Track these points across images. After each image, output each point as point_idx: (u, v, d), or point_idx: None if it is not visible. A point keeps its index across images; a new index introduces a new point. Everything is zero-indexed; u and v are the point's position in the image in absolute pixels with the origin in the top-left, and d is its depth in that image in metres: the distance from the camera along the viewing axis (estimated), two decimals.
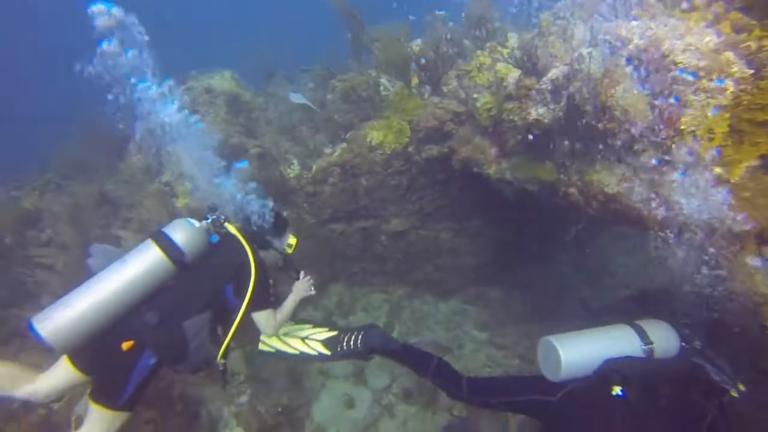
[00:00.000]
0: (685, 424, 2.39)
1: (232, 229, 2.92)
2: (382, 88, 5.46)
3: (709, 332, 2.77)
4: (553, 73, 3.26)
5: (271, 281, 2.94)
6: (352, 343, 2.85)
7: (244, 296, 2.73)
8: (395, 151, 4.95)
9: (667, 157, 2.85)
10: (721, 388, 2.46)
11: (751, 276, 2.58)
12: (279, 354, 3.01)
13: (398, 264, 6.02)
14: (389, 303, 6.34)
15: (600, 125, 3.03)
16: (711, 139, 2.65)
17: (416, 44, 5.26)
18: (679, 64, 2.45)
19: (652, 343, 2.61)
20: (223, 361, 2.72)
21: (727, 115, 2.57)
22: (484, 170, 4.26)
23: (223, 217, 2.96)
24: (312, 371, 5.27)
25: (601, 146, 3.24)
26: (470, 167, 4.47)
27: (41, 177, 6.59)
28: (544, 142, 3.61)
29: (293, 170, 5.46)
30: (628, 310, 3.15)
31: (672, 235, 3.03)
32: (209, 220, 2.91)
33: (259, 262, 2.79)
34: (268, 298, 2.91)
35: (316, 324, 3.14)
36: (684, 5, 2.81)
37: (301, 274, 3.27)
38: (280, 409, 4.45)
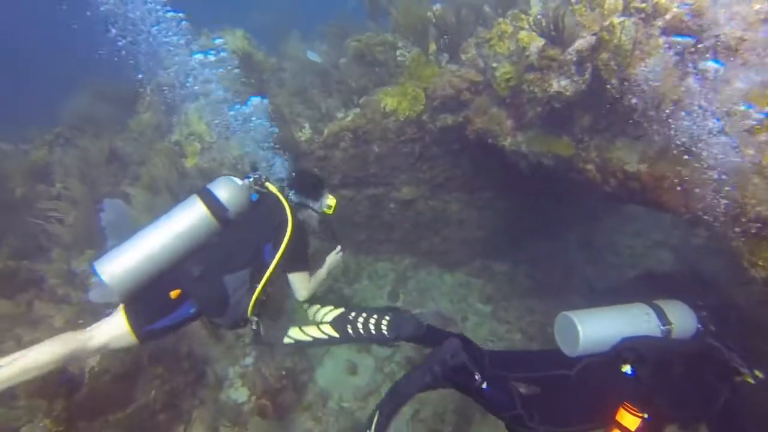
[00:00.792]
0: (698, 405, 2.40)
1: (272, 188, 2.93)
2: (398, 53, 5.31)
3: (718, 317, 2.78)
4: (579, 43, 3.13)
5: (309, 243, 2.98)
6: (372, 328, 2.55)
7: (284, 258, 2.77)
8: (409, 118, 4.84)
9: (694, 134, 2.76)
10: (734, 368, 2.46)
11: None
12: (299, 345, 2.76)
13: (406, 233, 6.00)
14: (395, 272, 6.36)
15: (625, 100, 2.93)
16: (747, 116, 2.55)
17: (436, 8, 5.07)
18: (722, 35, 2.32)
19: (671, 323, 2.62)
20: (255, 318, 2.75)
21: None
22: (499, 142, 4.17)
23: (264, 177, 2.96)
24: None
25: (623, 122, 3.15)
26: (485, 138, 4.37)
27: (50, 131, 6.55)
28: (563, 115, 3.50)
29: (304, 134, 5.38)
30: (634, 290, 3.12)
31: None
32: (251, 179, 2.92)
33: (296, 222, 2.81)
34: (305, 260, 2.93)
35: (323, 303, 2.91)
36: None
37: (338, 247, 3.28)
38: (284, 372, 4.52)
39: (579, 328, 2.51)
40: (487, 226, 6.03)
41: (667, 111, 2.75)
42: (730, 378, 2.47)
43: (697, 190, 2.80)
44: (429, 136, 4.95)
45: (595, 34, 3.08)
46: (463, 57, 4.48)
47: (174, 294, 2.55)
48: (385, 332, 2.47)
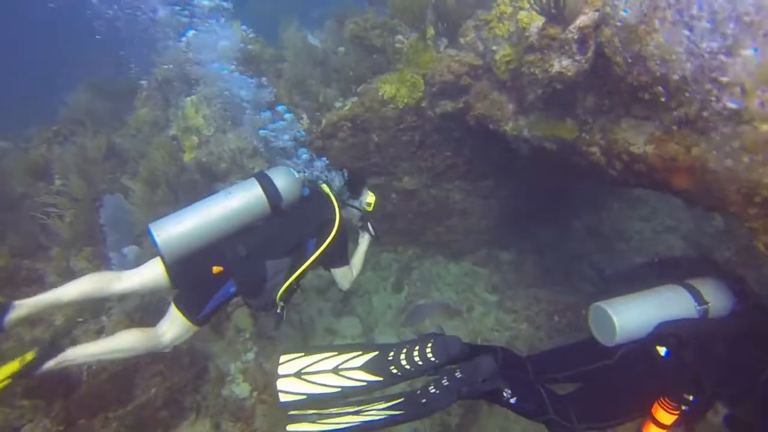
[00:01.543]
0: (744, 380, 2.37)
1: (324, 187, 3.10)
2: (397, 39, 5.17)
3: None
4: (581, 20, 2.98)
5: (347, 239, 3.13)
6: (418, 359, 2.31)
7: (327, 254, 2.94)
8: (408, 105, 4.72)
9: (705, 113, 2.62)
10: None
11: None
12: (312, 399, 2.31)
13: (409, 223, 5.90)
14: (399, 263, 6.27)
15: (630, 78, 2.79)
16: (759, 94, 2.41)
17: None
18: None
19: (707, 302, 2.57)
20: (281, 303, 2.86)
21: None
22: (501, 127, 4.04)
23: (317, 173, 3.16)
24: (319, 331, 5.28)
25: (629, 102, 3.01)
26: (486, 124, 4.24)
27: (49, 128, 6.52)
28: (566, 97, 3.37)
29: (302, 124, 5.28)
30: (644, 277, 3.02)
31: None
32: (306, 174, 3.10)
33: (342, 222, 2.96)
34: (345, 255, 3.12)
35: (335, 349, 2.49)
36: None
37: (369, 225, 3.44)
38: None
39: (614, 318, 2.49)
40: (491, 215, 5.92)
41: (676, 88, 2.62)
42: None
43: (709, 171, 2.66)
44: (429, 124, 4.82)
45: (597, 10, 2.93)
46: (462, 41, 4.33)
47: (216, 270, 2.68)
48: (434, 360, 2.28)
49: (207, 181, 5.24)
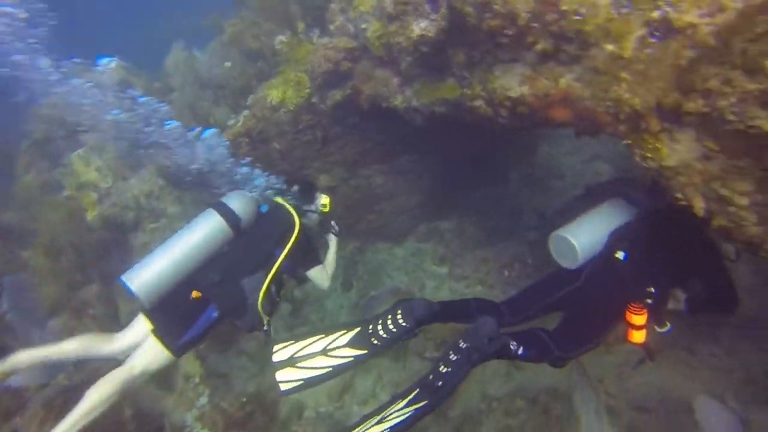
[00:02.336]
0: (693, 263, 2.78)
1: (280, 200, 3.29)
2: (277, 41, 4.98)
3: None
4: None
5: (315, 242, 3.32)
6: (392, 326, 2.46)
7: (294, 258, 3.10)
8: (299, 105, 4.56)
9: (560, 44, 2.61)
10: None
11: (658, 150, 2.43)
12: (308, 383, 2.45)
13: (339, 220, 5.76)
14: (342, 260, 6.13)
15: (484, 25, 2.75)
16: (596, 14, 2.41)
17: None
18: None
19: (638, 205, 2.93)
20: (267, 318, 2.96)
21: None
22: (391, 103, 3.96)
23: (270, 190, 3.36)
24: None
25: (493, 48, 2.98)
26: (379, 103, 4.15)
27: None
28: (440, 57, 3.31)
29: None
30: (581, 207, 3.16)
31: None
32: (258, 192, 3.32)
33: (302, 228, 3.12)
34: (315, 257, 3.30)
35: (321, 332, 2.61)
36: None
37: (332, 223, 3.71)
38: (244, 399, 4.28)
39: (572, 240, 2.78)
40: (418, 190, 5.88)
41: (525, 26, 2.60)
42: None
43: (578, 98, 2.67)
44: (326, 118, 4.68)
45: None
46: (331, 27, 4.20)
47: (195, 294, 2.79)
48: (404, 324, 2.43)
49: (117, 235, 4.92)
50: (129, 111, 4.77)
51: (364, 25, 3.90)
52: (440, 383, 2.29)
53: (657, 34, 2.29)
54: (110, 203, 5.11)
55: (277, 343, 2.55)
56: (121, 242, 4.90)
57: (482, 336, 2.31)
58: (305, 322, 5.42)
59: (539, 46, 2.65)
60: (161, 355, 2.68)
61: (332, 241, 3.68)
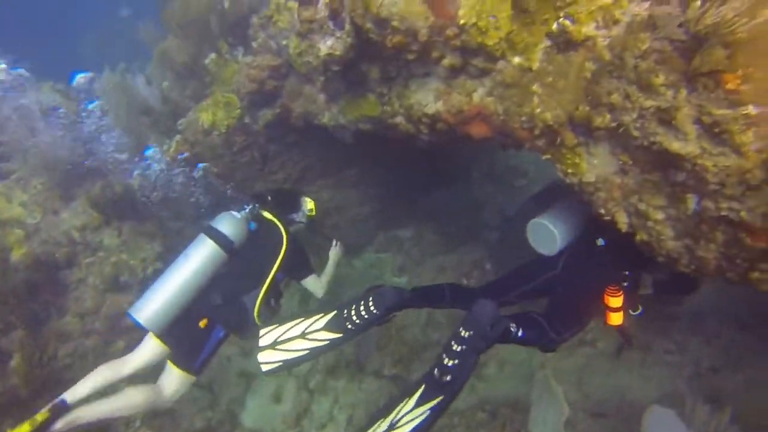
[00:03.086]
0: None
1: (267, 215, 3.30)
2: (210, 59, 4.76)
3: None
4: None
5: (305, 251, 3.39)
6: (364, 312, 2.45)
7: (290, 270, 3.26)
8: (231, 127, 4.36)
9: (467, 58, 2.48)
10: None
11: (577, 166, 2.32)
12: (287, 364, 2.54)
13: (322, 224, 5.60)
14: None
15: (388, 41, 2.59)
16: (497, 27, 2.28)
17: None
18: None
19: None
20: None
21: None
22: (320, 120, 3.79)
23: (258, 206, 3.38)
24: (231, 380, 4.92)
25: (404, 64, 2.83)
26: (311, 121, 3.98)
27: None
28: (354, 74, 3.15)
29: (135, 181, 4.80)
30: (542, 202, 3.09)
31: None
32: (247, 210, 3.33)
33: (290, 239, 3.20)
34: (307, 266, 3.40)
35: (302, 315, 2.67)
36: None
37: (334, 241, 3.88)
38: None
39: (550, 226, 2.76)
40: (369, 201, 5.71)
41: (428, 42, 2.45)
42: None
43: (493, 113, 2.54)
44: (261, 137, 4.49)
45: None
46: (254, 45, 4.00)
47: (203, 323, 2.96)
48: (375, 311, 2.42)
49: (49, 274, 4.65)
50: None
51: (284, 42, 3.72)
52: (449, 378, 2.19)
53: (559, 46, 2.17)
54: (40, 240, 4.83)
55: (263, 328, 2.63)
56: (54, 282, 4.64)
57: (484, 322, 2.22)
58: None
59: (446, 61, 2.51)
60: (186, 379, 2.95)
61: (333, 254, 3.82)
